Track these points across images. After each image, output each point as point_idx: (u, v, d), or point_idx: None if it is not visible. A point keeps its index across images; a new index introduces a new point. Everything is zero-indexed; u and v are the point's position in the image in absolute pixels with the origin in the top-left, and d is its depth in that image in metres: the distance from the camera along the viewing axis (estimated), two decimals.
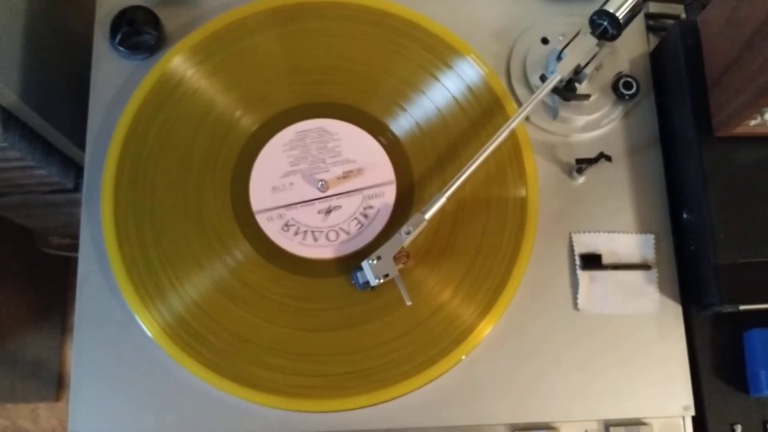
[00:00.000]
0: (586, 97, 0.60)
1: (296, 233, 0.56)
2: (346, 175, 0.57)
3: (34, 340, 1.09)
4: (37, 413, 1.14)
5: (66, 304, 1.16)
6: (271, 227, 0.56)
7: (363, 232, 0.56)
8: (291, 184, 0.57)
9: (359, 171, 0.57)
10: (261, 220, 0.56)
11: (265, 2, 0.61)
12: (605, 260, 0.58)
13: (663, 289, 0.58)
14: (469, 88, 0.60)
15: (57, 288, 1.15)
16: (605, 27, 0.57)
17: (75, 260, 0.57)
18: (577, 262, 0.58)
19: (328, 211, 0.55)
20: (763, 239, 0.54)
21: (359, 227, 0.56)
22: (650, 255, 0.59)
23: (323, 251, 0.56)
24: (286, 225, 0.56)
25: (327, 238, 0.56)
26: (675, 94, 0.60)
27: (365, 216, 0.56)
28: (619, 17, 0.56)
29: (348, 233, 0.56)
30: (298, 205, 0.57)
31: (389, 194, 0.57)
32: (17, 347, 1.05)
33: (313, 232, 0.56)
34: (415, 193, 0.58)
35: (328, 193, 0.57)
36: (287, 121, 0.58)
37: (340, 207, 0.56)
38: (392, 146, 0.59)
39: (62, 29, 0.68)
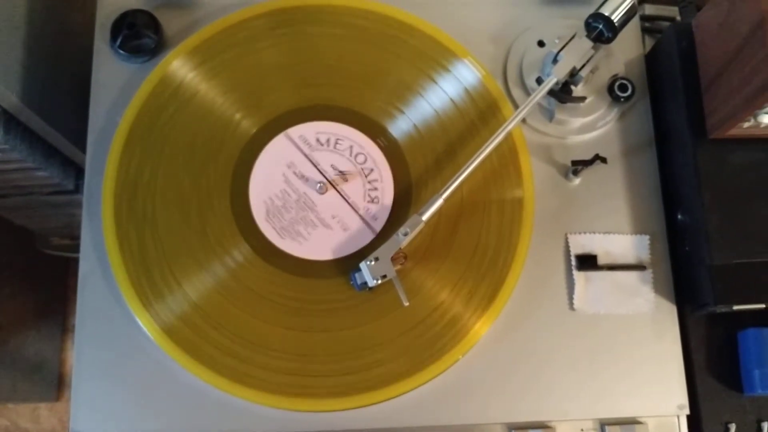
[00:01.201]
0: (582, 99, 0.60)
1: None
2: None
3: (34, 340, 1.09)
4: (38, 413, 1.15)
5: (67, 305, 1.17)
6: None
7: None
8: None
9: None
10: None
11: (264, 5, 0.62)
12: (601, 261, 0.59)
13: (658, 289, 0.59)
14: (466, 91, 0.61)
15: (58, 288, 1.16)
16: (601, 30, 0.58)
17: (76, 261, 0.57)
18: (573, 262, 0.58)
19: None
20: (757, 240, 0.55)
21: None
22: (645, 256, 0.59)
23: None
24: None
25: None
26: (669, 96, 0.60)
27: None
28: (615, 20, 0.57)
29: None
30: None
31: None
32: (18, 347, 1.05)
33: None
34: (412, 195, 0.58)
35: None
36: (286, 124, 0.59)
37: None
38: (390, 148, 0.59)
39: (63, 32, 0.69)
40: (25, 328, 1.07)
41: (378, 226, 0.57)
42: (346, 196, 0.58)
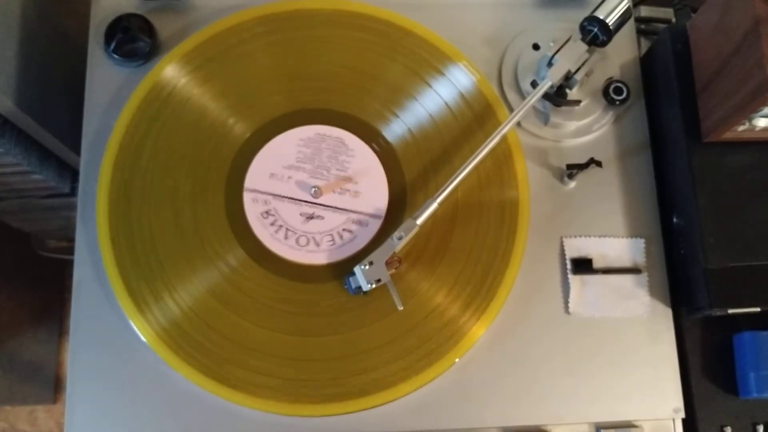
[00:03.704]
0: (577, 102, 0.60)
1: (277, 229, 0.56)
2: (342, 192, 0.58)
3: (32, 342, 1.09)
4: (35, 415, 1.15)
5: (64, 307, 1.17)
6: (252, 209, 0.57)
7: (355, 238, 0.57)
8: (289, 177, 0.58)
9: (356, 194, 0.57)
10: (246, 199, 0.57)
11: (258, 9, 0.62)
12: (596, 264, 0.59)
13: (653, 292, 0.58)
14: (461, 94, 0.61)
15: (55, 290, 1.15)
16: (595, 33, 0.58)
17: (72, 263, 0.57)
18: (569, 266, 0.58)
19: (310, 218, 0.56)
20: (752, 243, 0.55)
21: (348, 236, 0.57)
22: (641, 259, 0.59)
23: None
24: (267, 213, 0.56)
25: (313, 242, 0.56)
26: (665, 99, 0.60)
27: (341, 236, 0.56)
28: (609, 23, 0.57)
29: (346, 233, 0.57)
30: (286, 200, 0.57)
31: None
32: (15, 350, 1.05)
33: (287, 230, 0.56)
34: (407, 198, 0.58)
35: (320, 200, 0.57)
36: (280, 128, 0.59)
37: (322, 218, 0.57)
38: (385, 152, 0.59)
39: (58, 36, 0.69)
40: (22, 331, 1.07)
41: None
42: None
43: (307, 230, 0.57)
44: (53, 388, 1.15)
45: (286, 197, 0.57)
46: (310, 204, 0.57)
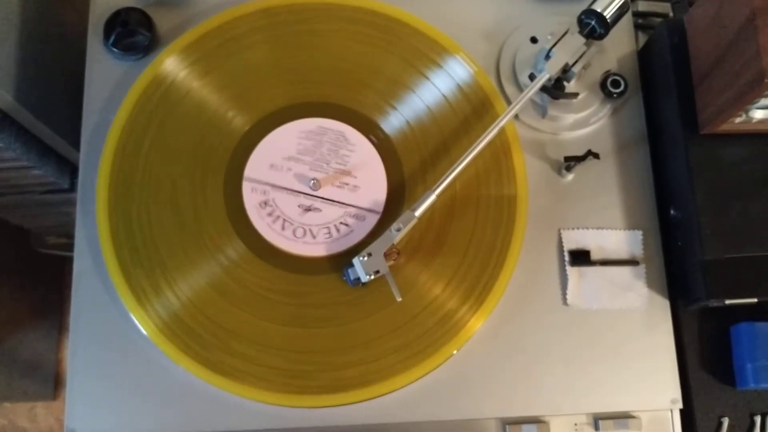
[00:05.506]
0: (575, 95, 0.61)
1: (274, 220, 0.56)
2: (341, 184, 0.58)
3: (31, 339, 1.09)
4: (35, 412, 1.15)
5: (63, 303, 1.17)
6: (250, 198, 0.57)
7: (354, 230, 0.57)
8: (289, 169, 0.58)
9: (355, 187, 0.58)
10: (245, 188, 0.57)
11: (257, 3, 0.62)
12: (594, 256, 0.59)
13: (651, 284, 0.59)
14: (459, 87, 0.61)
15: (54, 287, 1.16)
16: (593, 26, 0.58)
17: (72, 260, 0.57)
18: (566, 258, 0.59)
19: (308, 209, 0.56)
20: (749, 235, 0.55)
21: (347, 228, 0.57)
22: (638, 251, 0.59)
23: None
24: (265, 203, 0.57)
25: (310, 234, 0.57)
26: (662, 92, 0.61)
27: (338, 229, 0.57)
28: (607, 16, 0.57)
29: (335, 230, 0.57)
30: (285, 191, 0.57)
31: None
32: (15, 346, 1.05)
33: (285, 221, 0.56)
34: (405, 191, 0.59)
35: (318, 192, 0.58)
36: (279, 121, 0.59)
37: (320, 210, 0.57)
38: (383, 145, 0.59)
39: (57, 31, 0.69)
40: (21, 327, 1.07)
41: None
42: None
43: (304, 222, 0.57)
44: (53, 384, 1.15)
45: (285, 188, 0.58)
46: (308, 196, 0.57)
